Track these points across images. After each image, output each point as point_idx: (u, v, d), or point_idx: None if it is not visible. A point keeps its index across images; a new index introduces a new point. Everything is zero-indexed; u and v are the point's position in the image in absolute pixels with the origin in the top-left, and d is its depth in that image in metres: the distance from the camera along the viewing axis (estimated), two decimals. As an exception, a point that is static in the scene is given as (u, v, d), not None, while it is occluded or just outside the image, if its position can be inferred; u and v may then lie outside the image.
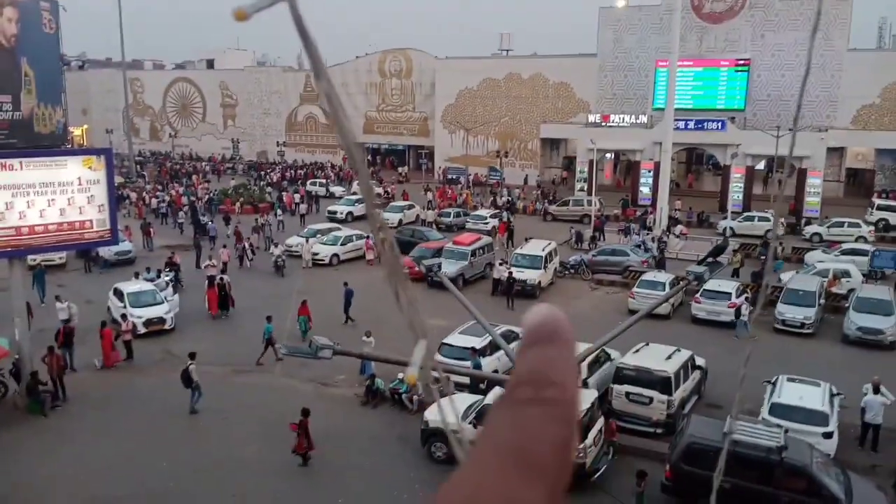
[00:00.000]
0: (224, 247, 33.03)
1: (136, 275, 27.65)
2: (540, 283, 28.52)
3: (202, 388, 18.27)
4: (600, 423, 15.79)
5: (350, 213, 43.39)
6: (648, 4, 53.60)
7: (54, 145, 23.63)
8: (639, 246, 33.83)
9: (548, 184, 56.66)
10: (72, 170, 20.67)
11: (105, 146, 53.33)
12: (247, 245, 32.78)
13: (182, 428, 17.71)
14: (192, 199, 45.37)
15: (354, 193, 49.59)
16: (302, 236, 35.07)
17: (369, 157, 71.56)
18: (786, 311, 24.40)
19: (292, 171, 63.18)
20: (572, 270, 31.48)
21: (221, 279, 26.68)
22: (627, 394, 17.35)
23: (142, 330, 23.06)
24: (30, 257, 25.76)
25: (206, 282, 26.50)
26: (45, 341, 20.18)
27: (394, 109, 68.15)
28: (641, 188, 47.92)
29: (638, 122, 48.94)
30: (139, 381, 20.40)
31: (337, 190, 53.18)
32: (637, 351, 18.49)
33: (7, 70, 21.60)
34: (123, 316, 22.86)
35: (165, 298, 24.77)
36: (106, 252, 30.82)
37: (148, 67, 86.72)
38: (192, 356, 18.68)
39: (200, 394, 18.29)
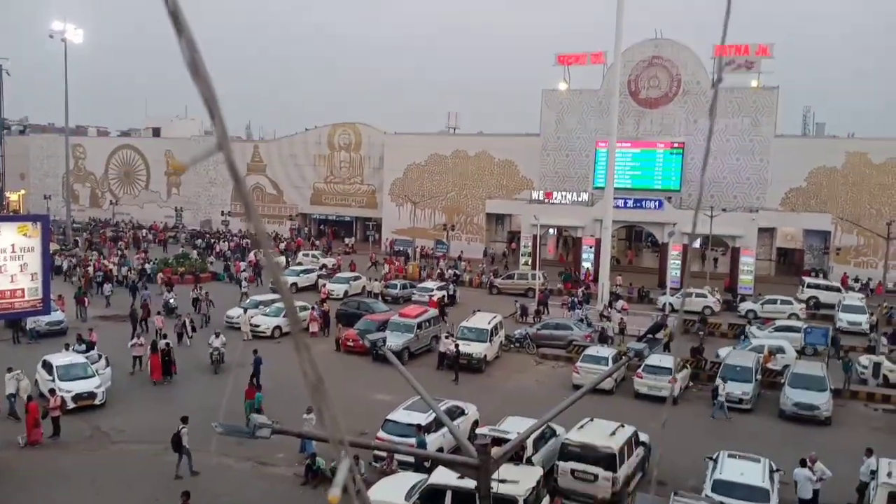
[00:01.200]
0: (158, 313, 32.17)
1: (67, 346, 26.49)
2: (486, 356, 28.49)
3: (190, 453, 17.88)
4: (546, 501, 15.58)
5: (294, 283, 42.85)
6: (588, 89, 56.16)
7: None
8: (581, 320, 34.31)
9: (497, 256, 57.43)
10: (5, 236, 20.06)
11: (42, 212, 51.92)
12: (186, 321, 30.89)
13: (108, 511, 16.70)
14: (127, 268, 44.24)
15: (300, 264, 49.18)
16: (242, 307, 34.34)
17: (318, 228, 71.39)
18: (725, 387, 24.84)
19: (248, 241, 61.93)
20: (517, 344, 31.61)
21: (167, 345, 26.01)
22: (573, 471, 17.22)
23: (71, 405, 21.94)
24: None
25: (149, 347, 26.15)
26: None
27: (342, 182, 68.63)
28: (583, 263, 48.99)
29: (579, 199, 50.46)
30: (65, 459, 19.27)
31: (280, 261, 52.47)
32: (581, 427, 18.48)
33: (-57, 134, 21.14)
34: (52, 390, 21.70)
35: (97, 371, 23.72)
36: (36, 322, 29.54)
37: (92, 134, 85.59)
38: (184, 420, 18.45)
39: (190, 459, 17.93)
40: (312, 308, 33.88)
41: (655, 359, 26.63)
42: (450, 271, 48.21)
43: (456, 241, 58.57)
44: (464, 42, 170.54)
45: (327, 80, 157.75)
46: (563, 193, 51.49)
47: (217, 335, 27.49)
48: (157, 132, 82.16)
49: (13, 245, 20.19)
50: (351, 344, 29.79)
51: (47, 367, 23.49)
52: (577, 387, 25.15)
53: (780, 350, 29.14)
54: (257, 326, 32.07)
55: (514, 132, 61.54)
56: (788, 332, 32.17)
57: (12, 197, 74.67)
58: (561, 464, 17.43)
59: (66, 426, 20.75)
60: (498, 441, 18.08)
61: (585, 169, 54.48)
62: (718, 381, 24.60)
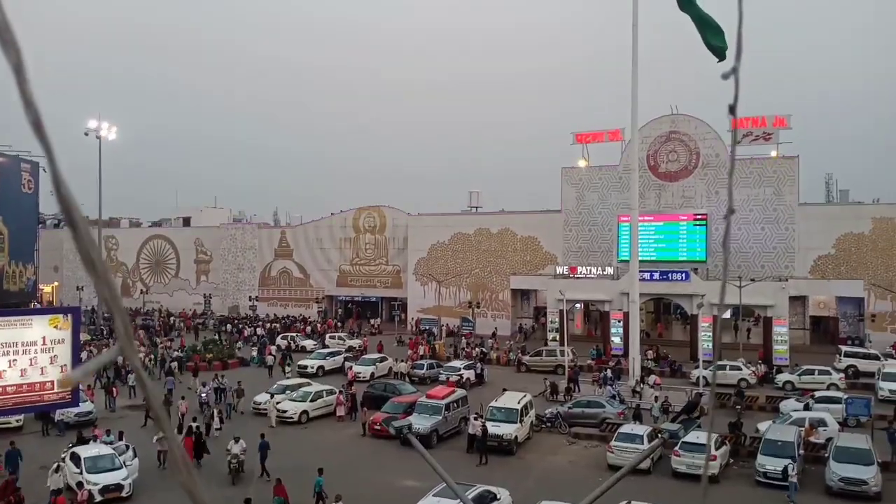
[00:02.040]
0: (183, 398, 32.13)
1: (94, 438, 26.42)
2: (517, 437, 27.81)
3: None
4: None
5: (321, 367, 42.73)
6: (608, 164, 56.84)
7: (23, 303, 23.48)
8: (614, 397, 33.55)
9: (528, 331, 57.01)
10: (37, 329, 20.35)
11: (75, 304, 52.92)
12: (215, 412, 30.07)
13: None
14: (154, 357, 44.38)
15: (326, 347, 49.13)
16: (269, 392, 34.11)
17: (346, 308, 71.62)
18: (766, 463, 23.93)
19: (276, 325, 62.45)
20: (549, 424, 30.88)
21: (198, 427, 25.89)
22: (611, 558, 16.47)
23: (98, 498, 21.70)
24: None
25: (184, 431, 25.99)
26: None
27: (367, 263, 69.30)
28: (613, 338, 48.33)
29: (605, 273, 50.26)
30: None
31: (308, 344, 52.49)
32: (619, 510, 17.78)
33: (-20, 229, 21.87)
34: (80, 483, 21.52)
35: (125, 463, 23.54)
36: (65, 414, 29.61)
37: (124, 225, 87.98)
38: (247, 502, 19.18)
39: None
40: (339, 391, 33.61)
41: (693, 435, 25.82)
42: (477, 349, 47.76)
43: (482, 318, 58.30)
44: (482, 122, 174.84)
45: (353, 167, 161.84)
46: (588, 268, 51.40)
47: (237, 440, 24.50)
48: (187, 221, 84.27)
49: (44, 338, 20.46)
50: (378, 428, 29.33)
51: (75, 458, 23.37)
52: (612, 467, 24.40)
53: (822, 423, 28.12)
54: (284, 412, 31.78)
55: (536, 209, 62.12)
56: (829, 403, 31.14)
57: (46, 289, 76.31)
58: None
59: (92, 520, 20.46)
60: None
61: (609, 243, 54.51)
62: (787, 462, 23.26)
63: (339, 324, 64.83)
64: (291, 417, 31.58)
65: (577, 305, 53.91)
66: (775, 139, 51.76)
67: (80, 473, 22.38)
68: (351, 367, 41.55)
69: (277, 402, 32.19)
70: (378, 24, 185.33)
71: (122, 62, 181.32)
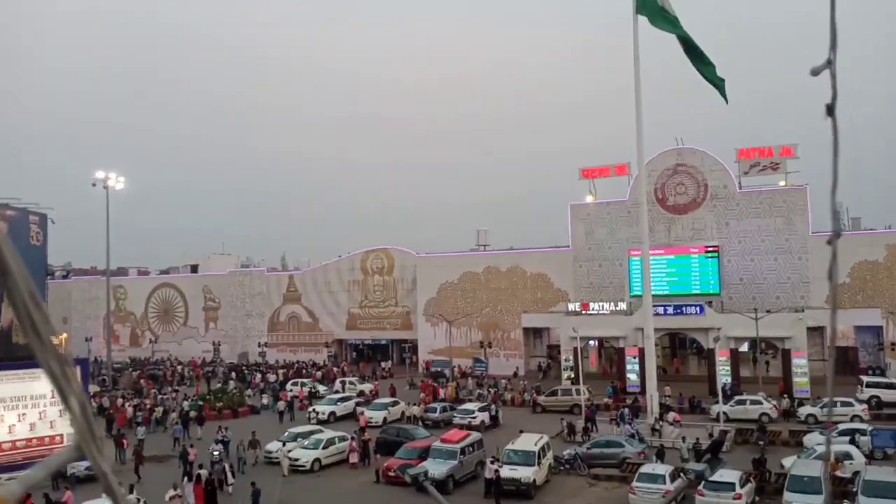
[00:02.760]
0: (192, 446, 31.58)
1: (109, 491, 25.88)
2: (535, 480, 27.02)
3: None
4: None
5: (333, 412, 42.05)
6: (616, 200, 56.68)
7: (32, 356, 23.04)
8: (633, 436, 32.72)
9: (534, 373, 56.13)
10: (45, 382, 19.92)
11: (83, 355, 52.61)
12: (227, 466, 28.72)
13: None
14: (162, 409, 43.54)
15: (337, 392, 48.47)
16: (280, 440, 33.41)
17: (353, 354, 71.00)
18: (794, 500, 23.06)
19: (289, 371, 61.72)
20: (567, 465, 30.05)
21: (209, 474, 25.25)
22: None
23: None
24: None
25: (193, 478, 25.52)
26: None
27: (376, 305, 68.90)
28: (629, 375, 47.54)
29: (617, 309, 49.68)
30: None
31: (319, 389, 51.80)
32: (646, 555, 17.04)
33: (-11, 284, 21.71)
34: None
35: (135, 518, 22.93)
36: (75, 468, 29.01)
37: (132, 274, 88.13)
38: None
39: None
40: (352, 438, 32.92)
41: (717, 474, 24.99)
42: (490, 390, 46.97)
43: (494, 359, 57.61)
44: (486, 161, 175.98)
45: (356, 210, 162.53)
46: (601, 304, 50.85)
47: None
48: (194, 269, 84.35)
49: (53, 391, 20.11)
50: (392, 475, 28.58)
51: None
52: (635, 509, 23.60)
53: (848, 456, 27.24)
54: (296, 460, 31.09)
55: (545, 245, 61.86)
56: (853, 435, 30.25)
57: (55, 341, 76.10)
58: None
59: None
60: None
61: (620, 278, 54.03)
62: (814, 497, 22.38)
63: (344, 369, 64.15)
64: (304, 466, 30.87)
65: (592, 343, 53.20)
66: (783, 169, 51.60)
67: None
68: (363, 413, 40.79)
69: (289, 451, 31.52)
70: (378, 72, 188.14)
71: (123, 116, 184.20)
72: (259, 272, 77.77)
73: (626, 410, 37.62)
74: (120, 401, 46.33)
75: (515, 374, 54.56)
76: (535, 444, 28.56)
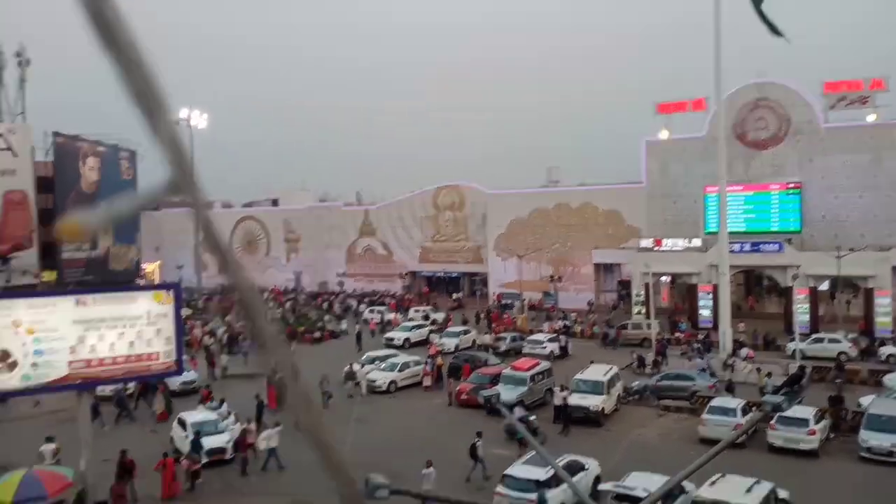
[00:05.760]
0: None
1: (202, 401, 28.27)
2: (603, 409, 27.68)
3: None
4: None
5: (407, 339, 43.68)
6: (692, 136, 54.75)
7: (128, 281, 24.65)
8: (704, 370, 32.83)
9: (605, 307, 56.25)
10: (142, 304, 21.40)
11: (175, 281, 55.78)
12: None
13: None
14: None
15: (411, 320, 50.07)
16: (359, 363, 35.17)
17: (426, 285, 72.66)
18: (870, 439, 22.98)
19: (364, 298, 65.47)
20: (637, 396, 30.56)
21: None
22: (707, 529, 16.28)
23: (204, 460, 23.06)
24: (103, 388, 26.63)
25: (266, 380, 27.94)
26: (108, 473, 20.33)
27: (448, 240, 69.87)
28: (701, 311, 47.14)
29: (692, 245, 48.90)
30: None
31: (393, 317, 53.67)
32: (713, 483, 17.47)
33: (86, 214, 23.21)
34: (194, 444, 23.03)
35: (227, 428, 24.89)
36: (172, 382, 31.43)
37: (217, 207, 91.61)
38: (479, 434, 21.68)
39: (484, 466, 20.92)
40: (426, 363, 34.32)
41: (791, 409, 24.99)
42: (560, 323, 47.57)
43: (564, 293, 57.91)
44: (558, 97, 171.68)
45: (433, 149, 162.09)
46: (674, 240, 50.11)
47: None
48: (275, 203, 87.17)
49: (148, 312, 21.57)
50: (465, 397, 29.80)
51: (182, 423, 24.91)
52: (703, 440, 23.99)
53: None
54: (374, 381, 32.77)
55: (617, 181, 60.82)
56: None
57: (148, 268, 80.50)
58: (694, 522, 16.52)
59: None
60: (622, 497, 17.45)
61: (695, 215, 52.83)
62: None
63: (420, 297, 66.46)
64: (381, 387, 32.54)
65: (664, 279, 52.72)
66: (871, 103, 48.67)
67: (187, 437, 23.84)
68: (436, 341, 42.21)
69: (367, 373, 33.22)
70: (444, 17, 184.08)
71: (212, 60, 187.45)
72: (336, 206, 79.69)
73: (699, 345, 37.63)
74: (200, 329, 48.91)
75: (591, 309, 54.58)
76: (605, 375, 29.12)
